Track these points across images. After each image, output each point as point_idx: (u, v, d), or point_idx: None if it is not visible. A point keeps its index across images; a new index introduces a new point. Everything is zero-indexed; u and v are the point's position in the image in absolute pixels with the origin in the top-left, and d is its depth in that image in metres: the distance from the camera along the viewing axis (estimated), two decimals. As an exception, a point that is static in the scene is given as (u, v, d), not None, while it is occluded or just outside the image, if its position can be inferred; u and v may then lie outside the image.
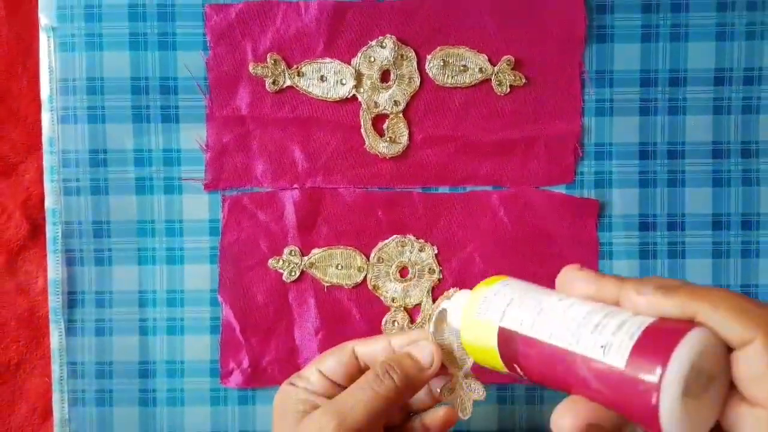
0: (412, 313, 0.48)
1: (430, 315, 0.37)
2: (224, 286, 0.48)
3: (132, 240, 0.48)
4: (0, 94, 0.50)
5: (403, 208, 0.48)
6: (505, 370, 0.31)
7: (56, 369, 0.48)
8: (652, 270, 0.48)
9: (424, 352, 0.36)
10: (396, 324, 0.48)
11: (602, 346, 0.26)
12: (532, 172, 0.48)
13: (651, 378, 0.24)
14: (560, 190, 0.48)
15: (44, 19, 0.48)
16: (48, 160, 0.48)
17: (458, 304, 0.34)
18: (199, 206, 0.48)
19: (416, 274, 0.48)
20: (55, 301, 0.48)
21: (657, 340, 0.25)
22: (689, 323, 0.25)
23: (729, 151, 0.48)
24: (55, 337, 0.48)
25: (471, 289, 0.33)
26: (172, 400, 0.48)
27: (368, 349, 0.37)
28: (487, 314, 0.31)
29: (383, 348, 0.37)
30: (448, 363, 0.37)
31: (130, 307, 0.48)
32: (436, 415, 0.38)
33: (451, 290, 0.48)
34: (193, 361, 0.48)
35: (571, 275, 0.29)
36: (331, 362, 0.37)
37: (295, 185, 0.48)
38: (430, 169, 0.48)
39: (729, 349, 0.25)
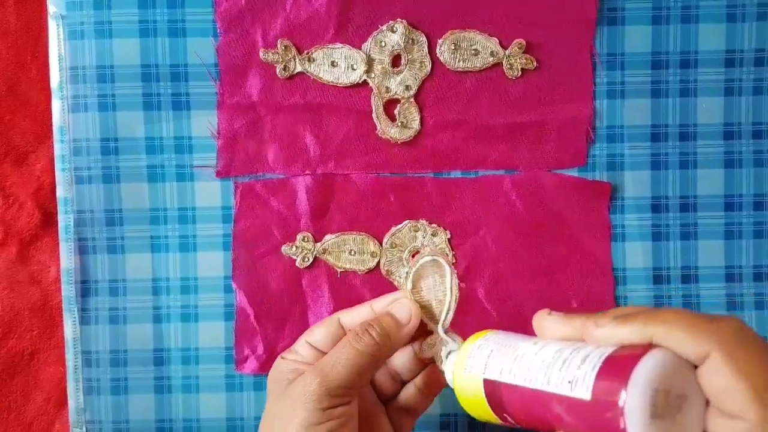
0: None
1: (408, 273, 0.37)
2: (238, 272, 0.48)
3: (144, 228, 0.48)
4: (10, 83, 0.50)
5: (415, 193, 0.48)
6: (499, 421, 0.31)
7: (70, 358, 0.48)
8: (665, 252, 0.48)
9: (402, 309, 0.37)
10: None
11: (569, 382, 0.27)
12: (544, 156, 0.48)
13: (614, 404, 0.25)
14: (572, 173, 0.48)
15: (53, 7, 0.47)
16: (59, 149, 0.48)
17: (450, 365, 0.35)
18: (211, 193, 0.48)
19: (429, 259, 0.49)
20: (68, 290, 0.48)
21: (616, 367, 0.26)
22: (647, 347, 0.26)
23: (740, 133, 0.48)
24: (69, 327, 0.48)
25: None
26: (187, 387, 0.48)
27: (352, 316, 0.38)
28: (473, 370, 0.32)
29: (366, 313, 0.38)
30: (427, 319, 0.37)
31: (144, 295, 0.48)
32: (425, 374, 0.39)
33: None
34: (208, 348, 0.48)
35: (540, 320, 0.31)
36: (319, 334, 0.38)
37: (307, 171, 0.48)
38: (442, 154, 0.48)
39: (696, 367, 0.25)
